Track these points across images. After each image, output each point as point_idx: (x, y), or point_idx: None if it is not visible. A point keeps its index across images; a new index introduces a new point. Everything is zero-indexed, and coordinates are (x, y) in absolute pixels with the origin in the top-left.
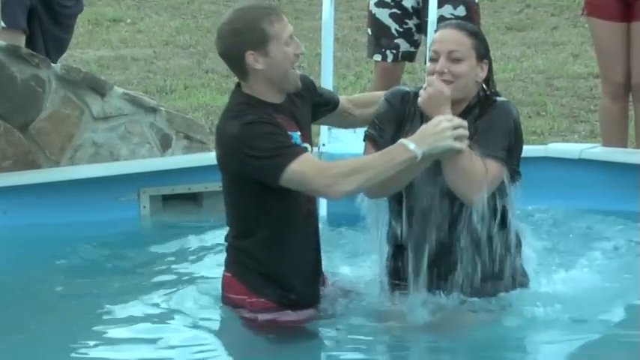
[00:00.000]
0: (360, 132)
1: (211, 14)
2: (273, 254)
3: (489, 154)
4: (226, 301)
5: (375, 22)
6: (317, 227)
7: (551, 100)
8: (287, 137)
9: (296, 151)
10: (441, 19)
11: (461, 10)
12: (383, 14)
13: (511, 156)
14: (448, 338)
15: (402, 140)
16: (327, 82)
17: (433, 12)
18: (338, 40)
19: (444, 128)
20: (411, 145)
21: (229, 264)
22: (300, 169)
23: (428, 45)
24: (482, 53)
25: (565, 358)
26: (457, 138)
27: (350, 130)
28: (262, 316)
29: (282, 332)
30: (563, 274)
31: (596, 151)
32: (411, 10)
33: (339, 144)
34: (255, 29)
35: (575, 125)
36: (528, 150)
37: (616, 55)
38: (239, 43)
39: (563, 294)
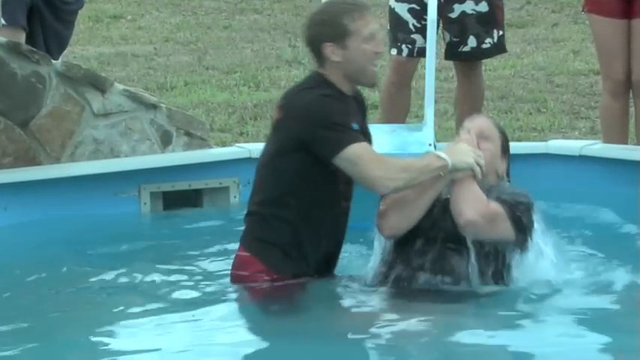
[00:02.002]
0: None
1: (212, 11)
2: (301, 230)
3: (498, 198)
4: (240, 280)
5: (393, 16)
6: (347, 222)
7: (552, 97)
8: (351, 123)
9: (359, 136)
10: (463, 14)
11: (483, 6)
12: (402, 9)
13: (517, 221)
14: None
15: (433, 152)
16: None
17: (433, 11)
18: None
19: (468, 149)
20: (443, 154)
21: (248, 242)
22: (359, 153)
23: (428, 40)
24: (506, 148)
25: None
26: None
27: None
28: (277, 284)
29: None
30: (560, 270)
31: (596, 147)
32: None
33: None
34: (337, 23)
35: (575, 122)
36: (529, 147)
37: (616, 52)
38: (320, 33)
39: (561, 291)
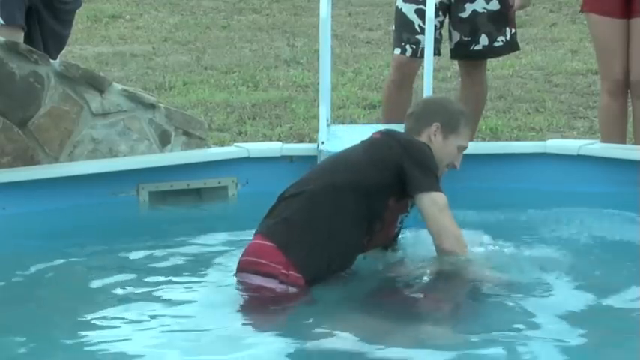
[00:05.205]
0: (361, 129)
1: (210, 11)
2: (339, 233)
3: None
4: (251, 266)
5: (399, 16)
6: (356, 257)
7: (550, 97)
8: None
9: None
10: (474, 14)
11: (494, 4)
12: (409, 9)
13: None
14: None
15: (475, 255)
16: (325, 78)
17: (431, 9)
18: (336, 36)
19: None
20: (470, 255)
21: (274, 230)
22: (446, 204)
23: (427, 40)
24: None
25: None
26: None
27: (349, 127)
28: (291, 289)
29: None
30: (561, 270)
31: (594, 147)
32: (438, 6)
33: (339, 141)
34: (456, 120)
35: (573, 121)
36: (527, 146)
37: (615, 51)
38: (439, 113)
39: (560, 290)
